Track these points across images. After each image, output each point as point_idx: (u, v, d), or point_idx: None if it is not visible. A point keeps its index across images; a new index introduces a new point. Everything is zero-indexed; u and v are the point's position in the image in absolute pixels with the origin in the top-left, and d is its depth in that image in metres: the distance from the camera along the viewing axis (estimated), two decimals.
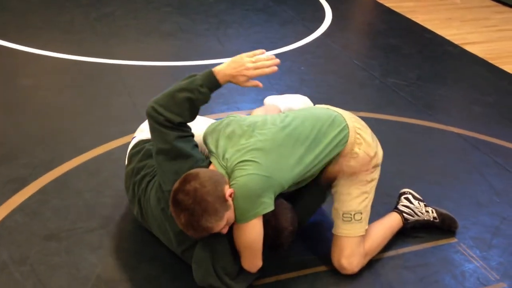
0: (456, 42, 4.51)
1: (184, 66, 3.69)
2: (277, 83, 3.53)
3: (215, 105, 3.18)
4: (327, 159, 1.98)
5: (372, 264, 2.11)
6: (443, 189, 2.61)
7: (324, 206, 2.21)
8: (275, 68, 1.88)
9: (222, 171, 1.81)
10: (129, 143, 2.27)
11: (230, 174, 1.80)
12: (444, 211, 2.31)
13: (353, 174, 2.02)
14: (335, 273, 2.05)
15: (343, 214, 2.03)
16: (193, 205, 1.66)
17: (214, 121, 2.15)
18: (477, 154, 2.93)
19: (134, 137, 2.26)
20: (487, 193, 2.61)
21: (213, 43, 4.11)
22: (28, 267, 1.98)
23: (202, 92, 1.83)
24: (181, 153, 1.84)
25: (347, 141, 1.99)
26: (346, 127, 2.00)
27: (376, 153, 2.06)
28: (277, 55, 3.90)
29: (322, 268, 2.08)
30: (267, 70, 1.87)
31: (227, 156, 1.83)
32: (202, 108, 1.92)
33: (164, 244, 2.04)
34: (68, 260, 2.03)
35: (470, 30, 4.87)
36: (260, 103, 3.18)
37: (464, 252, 2.22)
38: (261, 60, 1.87)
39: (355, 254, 2.02)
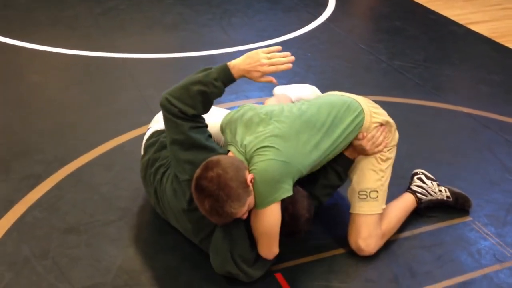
0: (460, 22, 4.49)
1: (190, 57, 3.69)
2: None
3: (224, 94, 3.17)
4: (344, 144, 2.02)
5: (388, 245, 2.13)
6: (455, 169, 2.62)
7: (340, 189, 2.23)
8: (290, 65, 1.91)
9: (241, 157, 1.84)
10: (140, 135, 2.28)
11: (249, 160, 1.83)
12: (457, 190, 2.32)
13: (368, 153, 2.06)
14: (353, 254, 2.07)
15: (359, 192, 2.06)
16: (217, 191, 1.69)
17: (227, 111, 2.17)
18: (488, 132, 2.94)
19: (149, 128, 2.28)
20: (499, 171, 2.61)
21: (218, 33, 4.11)
22: (49, 261, 2.01)
23: (217, 86, 1.85)
24: (196, 143, 1.86)
25: (362, 125, 2.02)
26: (362, 111, 2.03)
27: (392, 135, 2.11)
28: (282, 43, 3.99)
29: (340, 250, 2.10)
30: (282, 67, 1.89)
31: (245, 142, 1.85)
32: None
33: (182, 233, 2.06)
34: (88, 252, 2.06)
35: (474, 9, 4.84)
36: (268, 91, 3.19)
37: (479, 230, 2.24)
38: (276, 56, 1.89)
39: (372, 236, 2.04)
